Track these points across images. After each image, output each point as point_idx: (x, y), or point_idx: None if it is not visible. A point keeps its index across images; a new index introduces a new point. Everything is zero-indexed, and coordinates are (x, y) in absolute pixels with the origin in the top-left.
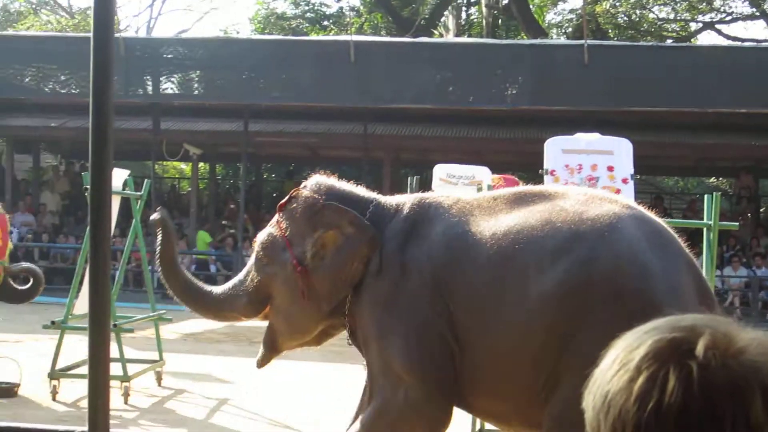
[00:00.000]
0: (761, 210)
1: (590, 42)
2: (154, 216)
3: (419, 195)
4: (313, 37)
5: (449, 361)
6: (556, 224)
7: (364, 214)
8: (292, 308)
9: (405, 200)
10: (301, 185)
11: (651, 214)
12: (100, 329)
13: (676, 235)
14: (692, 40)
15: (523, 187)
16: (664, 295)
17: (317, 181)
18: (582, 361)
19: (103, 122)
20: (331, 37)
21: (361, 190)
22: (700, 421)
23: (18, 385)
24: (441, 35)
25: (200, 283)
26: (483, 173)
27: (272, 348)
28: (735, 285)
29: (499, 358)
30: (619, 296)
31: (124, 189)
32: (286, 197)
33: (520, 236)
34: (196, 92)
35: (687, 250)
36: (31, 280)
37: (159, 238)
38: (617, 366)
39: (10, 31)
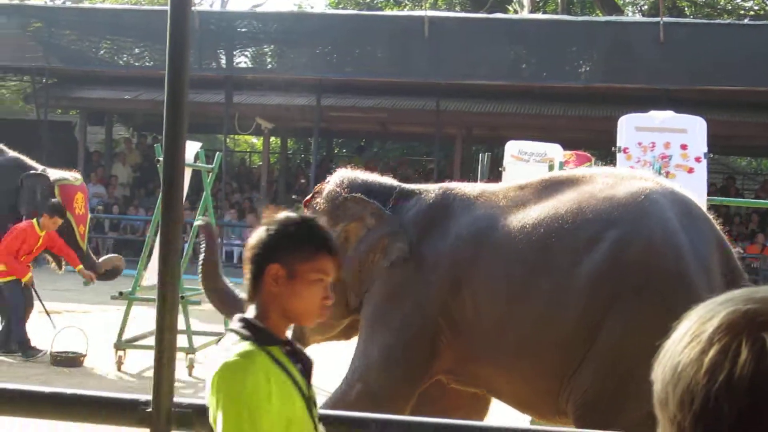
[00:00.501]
0: None
1: (666, 19)
2: (198, 222)
3: (444, 185)
4: (388, 12)
5: (428, 363)
6: (587, 213)
7: (386, 204)
8: None
9: (429, 189)
10: (326, 180)
11: (681, 190)
12: (168, 301)
13: (706, 212)
14: None
15: (549, 175)
16: (696, 275)
17: (340, 174)
18: (610, 349)
19: (178, 95)
20: (405, 13)
21: (385, 180)
22: None
23: (84, 355)
24: (515, 11)
25: (239, 294)
26: (555, 150)
27: (300, 343)
28: None
29: (529, 346)
30: (651, 280)
31: (195, 162)
32: (311, 193)
33: (551, 228)
34: (269, 66)
35: (717, 227)
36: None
37: (203, 246)
38: (689, 338)
39: (86, 4)
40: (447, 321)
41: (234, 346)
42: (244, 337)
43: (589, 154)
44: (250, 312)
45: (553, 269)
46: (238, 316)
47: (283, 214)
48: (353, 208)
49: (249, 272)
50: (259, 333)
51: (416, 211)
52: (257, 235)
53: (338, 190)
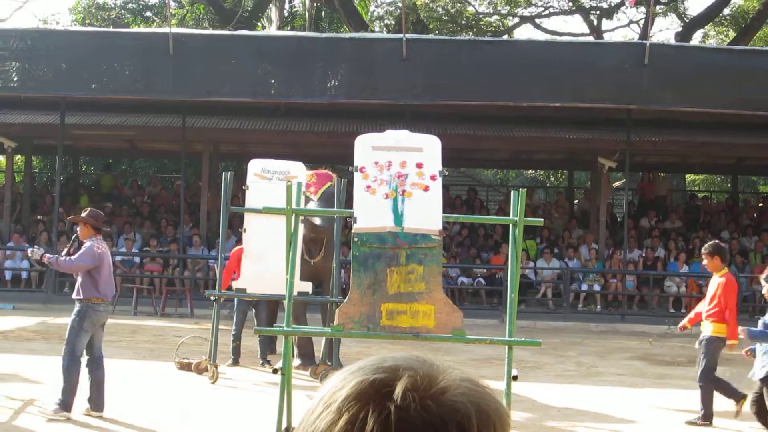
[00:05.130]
0: (575, 202)
1: (408, 36)
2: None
3: None
4: (133, 29)
5: None
6: None
7: None
8: None
9: None
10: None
11: None
12: None
13: None
14: (511, 33)
15: None
16: None
17: None
18: None
19: None
20: (149, 30)
21: None
22: None
23: None
24: (264, 27)
25: None
26: (298, 168)
27: None
28: (548, 277)
29: None
30: None
31: None
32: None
33: None
34: (12, 84)
35: None
36: None
37: None
38: (321, 407)
39: None
40: None
41: None
42: None
43: (331, 173)
44: None
45: None
46: None
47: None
48: None
49: None
50: None
51: None
52: None
53: None
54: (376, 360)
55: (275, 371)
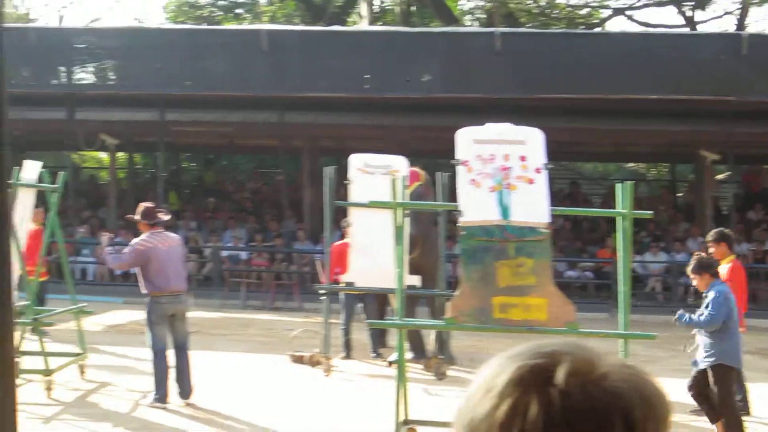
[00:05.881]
0: (678, 195)
1: (501, 29)
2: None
3: None
4: (226, 26)
5: None
6: None
7: None
8: None
9: None
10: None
11: None
12: (2, 326)
13: None
14: (603, 26)
15: None
16: None
17: None
18: None
19: None
20: (243, 27)
21: None
22: None
23: None
24: (355, 23)
25: None
26: (400, 163)
27: None
28: (656, 270)
29: None
30: None
31: (39, 182)
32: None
33: None
34: (110, 82)
35: None
36: None
37: None
38: (481, 392)
39: None
40: None
41: None
42: None
43: (419, 171)
44: None
45: None
46: None
47: None
48: None
49: None
50: None
51: None
52: None
53: None
54: (534, 345)
55: (390, 364)
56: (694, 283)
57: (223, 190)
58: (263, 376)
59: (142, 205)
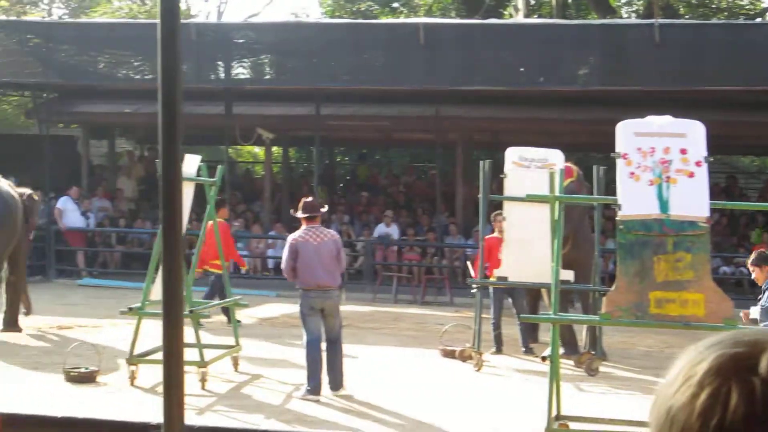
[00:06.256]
0: None
1: (661, 21)
2: None
3: None
4: (383, 20)
5: None
6: None
7: None
8: None
9: None
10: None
11: None
12: (173, 319)
13: None
14: (765, 16)
15: None
16: None
17: None
18: None
19: (172, 110)
20: (400, 20)
21: None
22: None
23: (98, 371)
24: (510, 16)
25: None
26: (556, 156)
27: None
28: None
29: None
30: None
31: (198, 175)
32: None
33: None
34: (267, 77)
35: None
36: None
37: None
38: (680, 381)
39: (83, 19)
40: None
41: None
42: None
43: (572, 167)
44: None
45: None
46: None
47: None
48: None
49: None
50: None
51: None
52: None
53: None
54: (733, 334)
55: (543, 359)
56: (754, 275)
57: (376, 184)
58: (414, 370)
59: (303, 201)
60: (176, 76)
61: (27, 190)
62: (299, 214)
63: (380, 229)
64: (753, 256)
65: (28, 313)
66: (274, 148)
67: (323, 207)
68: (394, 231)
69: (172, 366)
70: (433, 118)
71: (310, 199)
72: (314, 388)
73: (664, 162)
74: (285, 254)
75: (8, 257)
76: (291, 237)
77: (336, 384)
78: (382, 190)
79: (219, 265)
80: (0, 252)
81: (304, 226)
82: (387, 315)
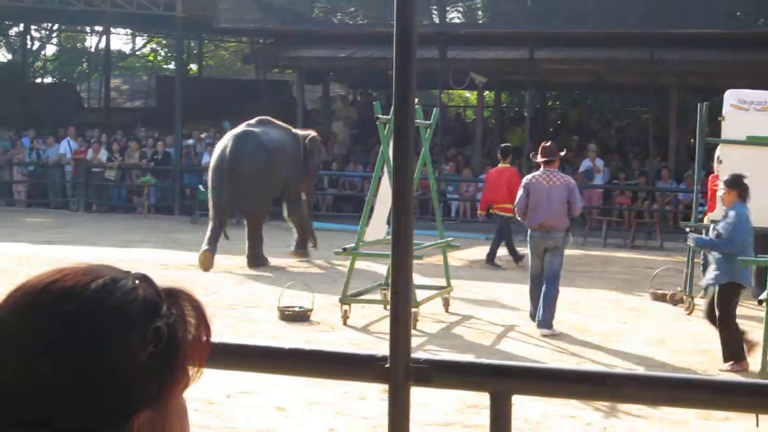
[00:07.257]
0: None
1: None
2: None
3: None
4: None
5: None
6: None
7: None
8: None
9: None
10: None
11: None
12: (402, 258)
13: None
14: None
15: None
16: None
17: None
18: None
19: (406, 51)
20: None
21: None
22: None
23: (311, 310)
24: None
25: None
26: None
27: None
28: None
29: None
30: None
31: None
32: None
33: None
34: (481, 21)
35: None
36: None
37: None
38: None
39: None
40: None
41: None
42: None
43: None
44: None
45: None
46: None
47: None
48: None
49: None
50: None
51: None
52: None
53: None
54: None
55: (760, 302)
56: (720, 194)
57: (588, 128)
58: (624, 314)
59: (542, 146)
60: (412, 19)
61: (311, 132)
62: (538, 158)
63: (585, 164)
64: (728, 177)
65: (314, 246)
66: (486, 93)
67: (562, 151)
68: (599, 164)
69: (399, 303)
70: (647, 61)
71: (549, 143)
72: (543, 322)
73: None
74: (519, 192)
75: (286, 197)
76: (526, 178)
77: (543, 323)
78: (593, 134)
79: (508, 208)
80: (264, 194)
81: (541, 169)
82: (597, 258)
